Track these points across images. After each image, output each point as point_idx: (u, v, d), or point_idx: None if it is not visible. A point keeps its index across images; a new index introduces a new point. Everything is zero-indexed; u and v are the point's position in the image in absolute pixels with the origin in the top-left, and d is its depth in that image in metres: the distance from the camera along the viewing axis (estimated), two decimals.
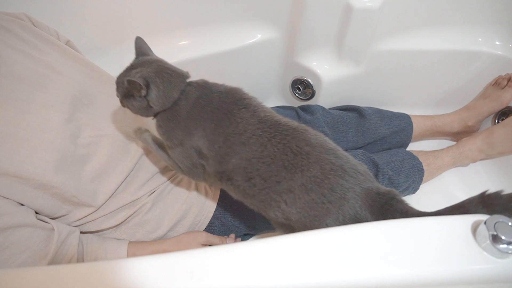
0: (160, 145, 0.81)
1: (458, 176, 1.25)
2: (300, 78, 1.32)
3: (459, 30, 1.23)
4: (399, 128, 1.22)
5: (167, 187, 0.90)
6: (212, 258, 0.44)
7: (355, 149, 1.17)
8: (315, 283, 0.45)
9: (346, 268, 0.46)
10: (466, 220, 0.50)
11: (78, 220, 0.79)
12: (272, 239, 0.48)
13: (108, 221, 0.82)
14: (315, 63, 1.26)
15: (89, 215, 0.80)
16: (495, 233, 0.45)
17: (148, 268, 0.43)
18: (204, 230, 0.93)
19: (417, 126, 1.25)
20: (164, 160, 0.82)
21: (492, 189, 0.59)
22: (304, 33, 1.19)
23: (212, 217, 0.93)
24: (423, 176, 1.12)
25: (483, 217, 0.49)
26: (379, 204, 0.65)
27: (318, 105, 1.24)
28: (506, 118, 1.22)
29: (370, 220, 0.65)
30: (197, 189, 0.92)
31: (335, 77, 1.26)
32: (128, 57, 0.80)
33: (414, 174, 1.10)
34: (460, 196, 1.04)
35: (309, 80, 1.30)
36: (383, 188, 0.68)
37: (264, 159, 0.67)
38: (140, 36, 0.80)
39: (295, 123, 0.72)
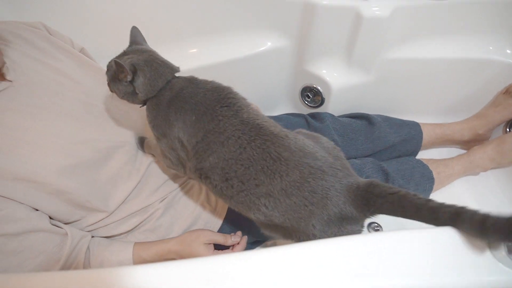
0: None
1: (469, 185, 1.24)
2: (310, 85, 1.33)
3: (469, 39, 1.23)
4: (408, 136, 1.22)
5: (178, 193, 0.91)
6: (229, 266, 0.45)
7: (365, 156, 1.17)
8: None
9: (364, 277, 0.46)
10: None
11: (90, 225, 0.80)
12: (289, 247, 0.49)
13: (120, 226, 0.83)
14: (324, 71, 1.27)
15: (101, 220, 0.81)
16: (510, 244, 0.45)
17: (165, 276, 0.44)
18: None
19: (426, 134, 1.25)
20: (157, 155, 0.83)
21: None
22: (314, 41, 1.20)
23: (222, 223, 0.93)
24: (433, 184, 1.11)
25: None
26: (360, 197, 0.65)
27: (328, 113, 1.24)
28: None
29: (355, 215, 0.66)
30: (208, 195, 0.93)
31: (345, 85, 1.27)
32: None
33: (424, 183, 1.09)
34: (471, 205, 1.03)
35: (319, 88, 1.31)
36: (363, 180, 0.68)
37: (243, 161, 0.67)
38: (151, 43, 0.82)
39: (277, 128, 0.71)
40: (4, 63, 0.74)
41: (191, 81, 0.75)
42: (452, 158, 1.21)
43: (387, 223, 1.15)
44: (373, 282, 0.46)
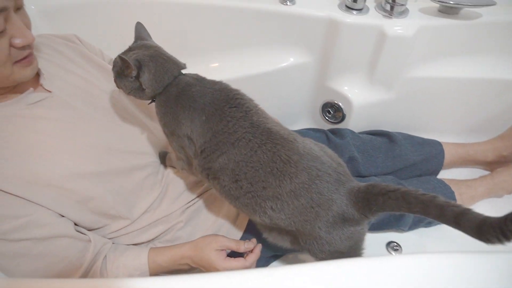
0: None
1: (492, 207, 1.21)
2: (331, 101, 1.33)
3: (494, 59, 1.22)
4: (430, 155, 1.20)
5: (200, 206, 0.92)
6: (252, 281, 0.45)
7: (385, 174, 1.16)
8: None
9: None
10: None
11: (113, 232, 0.82)
12: (305, 265, 0.49)
13: (141, 235, 0.85)
14: (346, 88, 1.27)
15: (124, 228, 0.82)
16: None
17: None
18: None
19: (448, 154, 1.23)
20: (175, 165, 0.86)
21: None
22: (337, 58, 1.21)
23: (241, 237, 0.93)
24: None
25: None
26: (361, 198, 0.67)
27: (348, 129, 1.24)
28: None
29: (357, 216, 0.68)
30: (229, 208, 0.94)
31: (366, 102, 1.27)
32: None
33: None
34: None
35: (340, 104, 1.31)
36: (363, 184, 0.70)
37: (253, 163, 0.68)
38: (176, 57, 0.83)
39: (286, 131, 0.73)
40: (38, 69, 0.77)
41: (198, 80, 0.76)
42: (475, 179, 1.18)
43: (406, 241, 1.14)
44: None
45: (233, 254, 0.83)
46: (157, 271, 0.81)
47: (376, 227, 1.09)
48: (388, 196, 0.64)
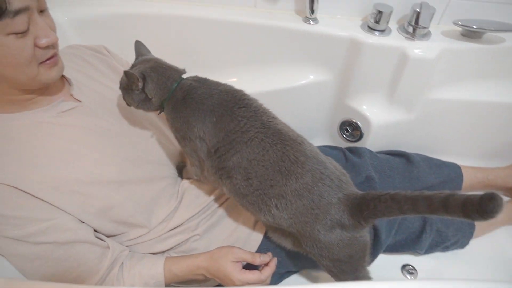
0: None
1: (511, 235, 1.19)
2: (349, 119, 1.33)
3: None
4: (448, 178, 1.19)
5: (216, 219, 0.92)
6: None
7: None
8: None
9: None
10: None
11: (130, 240, 0.84)
12: (326, 285, 0.48)
13: (157, 245, 0.86)
14: (365, 107, 1.27)
15: (141, 236, 0.84)
16: None
17: None
18: None
19: (467, 178, 1.21)
20: (190, 176, 0.89)
21: None
22: (357, 77, 1.21)
23: (257, 250, 0.93)
24: (474, 231, 1.07)
25: None
26: (356, 205, 0.69)
27: (366, 148, 1.23)
28: None
29: (351, 222, 0.70)
30: (244, 220, 0.94)
31: (385, 122, 1.27)
32: None
33: (465, 229, 1.06)
34: None
35: (358, 123, 1.31)
36: (360, 192, 0.73)
37: (264, 162, 0.71)
38: (195, 71, 0.85)
39: (294, 133, 0.76)
40: (68, 78, 0.81)
41: (201, 81, 0.80)
42: None
43: (422, 265, 1.12)
44: None
45: (248, 267, 0.83)
46: (172, 281, 0.82)
47: (392, 249, 1.07)
48: (378, 199, 0.66)
